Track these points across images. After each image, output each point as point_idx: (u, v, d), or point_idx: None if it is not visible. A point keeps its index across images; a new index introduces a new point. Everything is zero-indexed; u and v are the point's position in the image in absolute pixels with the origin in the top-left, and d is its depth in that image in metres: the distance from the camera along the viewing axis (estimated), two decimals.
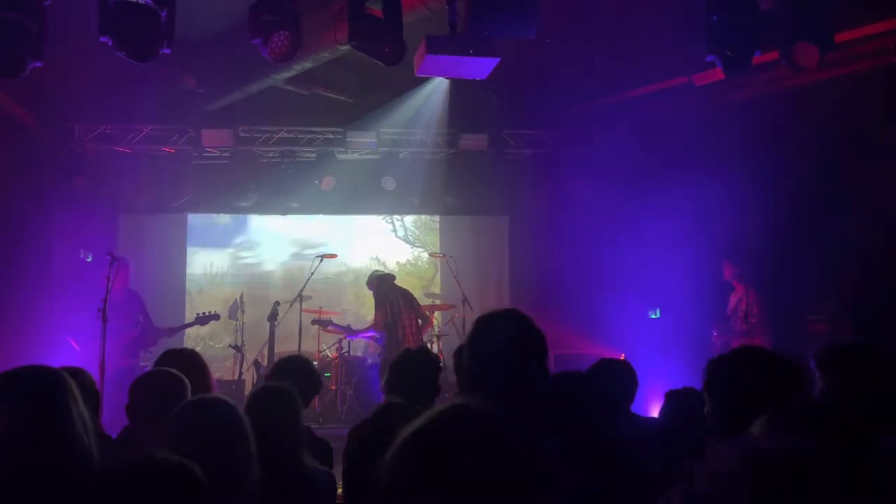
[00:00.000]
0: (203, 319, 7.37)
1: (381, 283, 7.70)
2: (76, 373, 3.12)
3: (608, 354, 7.35)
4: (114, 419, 5.68)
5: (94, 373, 5.05)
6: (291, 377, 3.16)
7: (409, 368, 3.02)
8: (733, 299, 7.35)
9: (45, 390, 1.91)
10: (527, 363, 2.05)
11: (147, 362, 6.40)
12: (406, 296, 7.68)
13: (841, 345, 2.66)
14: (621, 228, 8.26)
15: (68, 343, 6.94)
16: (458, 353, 2.14)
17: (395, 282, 7.89)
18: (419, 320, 7.60)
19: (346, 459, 2.98)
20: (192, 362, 3.05)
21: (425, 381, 3.04)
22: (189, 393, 2.66)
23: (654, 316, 8.31)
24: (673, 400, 3.11)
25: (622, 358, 7.46)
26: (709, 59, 5.08)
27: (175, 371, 2.78)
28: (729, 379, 2.12)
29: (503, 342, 2.05)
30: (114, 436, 3.10)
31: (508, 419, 1.22)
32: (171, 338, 7.13)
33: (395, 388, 2.96)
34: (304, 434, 2.69)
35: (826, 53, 5.23)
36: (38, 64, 4.54)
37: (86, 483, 1.83)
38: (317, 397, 7.90)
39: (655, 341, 7.72)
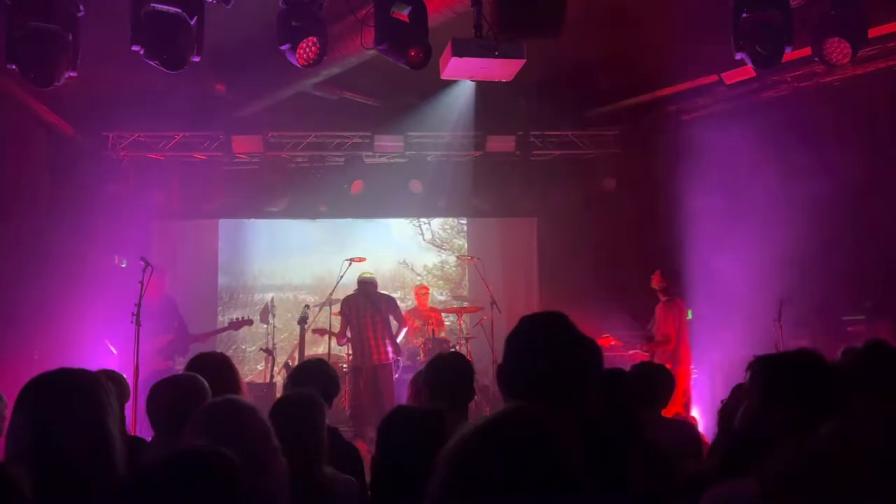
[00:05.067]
0: (237, 324, 7.48)
1: (346, 300, 7.71)
2: (111, 376, 3.19)
3: (638, 357, 7.33)
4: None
5: (129, 375, 5.16)
6: (311, 381, 3.17)
7: (447, 373, 2.99)
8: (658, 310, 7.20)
9: (60, 393, 1.92)
10: (567, 368, 1.99)
11: (181, 366, 6.50)
12: (375, 302, 7.60)
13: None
14: (650, 229, 8.19)
15: (107, 347, 7.08)
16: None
17: (367, 285, 7.75)
18: (383, 324, 7.56)
19: (371, 467, 2.97)
20: (222, 365, 3.07)
21: (462, 387, 3.01)
22: (209, 395, 2.64)
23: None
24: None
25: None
26: (738, 56, 5.00)
27: (192, 374, 2.80)
28: (786, 381, 2.00)
29: (538, 346, 1.98)
30: (148, 438, 3.15)
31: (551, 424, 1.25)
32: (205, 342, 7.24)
33: (437, 391, 2.95)
34: (326, 441, 2.69)
35: (859, 49, 5.12)
36: (73, 73, 4.64)
37: (112, 484, 1.86)
38: (347, 400, 7.97)
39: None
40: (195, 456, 1.47)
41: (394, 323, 7.80)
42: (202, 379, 2.69)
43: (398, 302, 8.20)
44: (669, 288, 7.10)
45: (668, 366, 6.81)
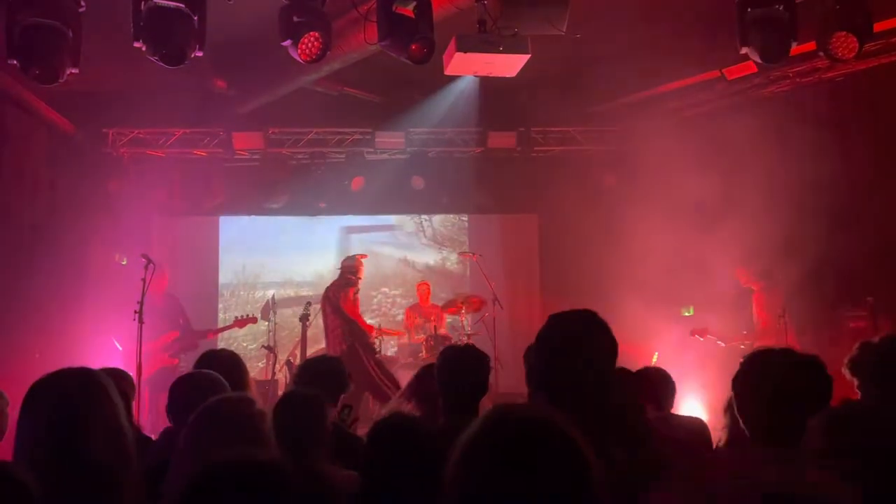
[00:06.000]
0: (242, 322, 7.47)
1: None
2: (114, 374, 3.17)
3: (641, 353, 7.31)
4: (155, 419, 5.78)
5: (133, 373, 5.15)
6: (319, 377, 3.15)
7: (461, 367, 2.89)
8: (757, 301, 7.13)
9: (78, 392, 1.92)
10: (591, 365, 2.00)
11: (187, 364, 6.48)
12: (326, 291, 7.56)
13: (871, 344, 2.57)
14: (652, 225, 8.16)
15: (112, 344, 7.05)
16: (528, 353, 2.10)
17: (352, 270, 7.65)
18: (333, 315, 7.43)
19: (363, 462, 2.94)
20: (231, 363, 3.06)
21: (476, 381, 2.89)
22: (227, 392, 2.66)
23: (686, 313, 8.19)
24: None
25: (655, 357, 7.39)
26: (743, 51, 4.98)
27: (213, 372, 2.80)
28: (758, 380, 2.04)
29: (568, 342, 2.01)
30: (154, 436, 3.13)
31: (556, 421, 1.20)
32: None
33: (447, 387, 2.87)
34: (327, 439, 2.67)
35: (865, 43, 5.10)
36: (75, 70, 4.61)
37: (128, 481, 1.85)
38: None
39: (688, 339, 7.61)
40: (258, 467, 1.45)
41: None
42: (220, 377, 2.68)
43: (399, 296, 8.14)
44: (762, 275, 6.99)
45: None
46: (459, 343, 7.65)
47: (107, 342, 7.01)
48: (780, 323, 6.61)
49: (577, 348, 1.98)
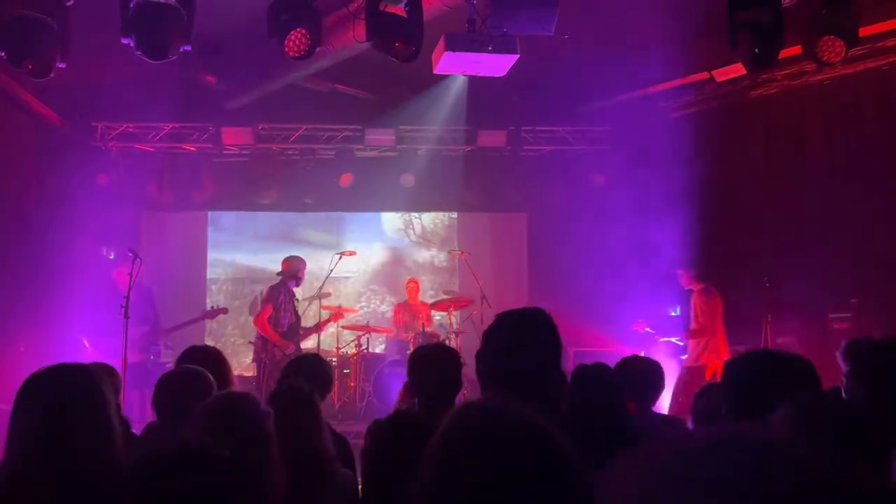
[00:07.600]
0: (211, 313, 7.31)
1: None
2: (106, 369, 3.16)
3: (627, 352, 7.34)
4: (128, 415, 5.72)
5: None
6: (305, 375, 3.16)
7: (430, 365, 2.89)
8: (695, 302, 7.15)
9: (75, 388, 1.94)
10: (542, 360, 2.03)
11: (169, 359, 6.43)
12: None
13: (873, 339, 2.62)
14: (641, 225, 8.21)
15: (81, 341, 6.89)
16: (478, 355, 2.13)
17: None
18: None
19: (365, 460, 2.95)
20: (214, 359, 3.06)
21: (447, 378, 2.87)
22: (215, 390, 2.67)
23: (674, 314, 8.24)
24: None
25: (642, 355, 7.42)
26: (731, 52, 5.02)
27: (201, 368, 2.80)
28: (741, 377, 2.10)
29: (517, 339, 2.04)
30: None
31: (524, 414, 1.20)
32: (190, 333, 7.16)
33: (419, 385, 2.87)
34: (327, 434, 2.68)
35: (851, 47, 5.14)
36: (62, 65, 4.60)
37: (116, 476, 1.86)
38: (336, 394, 7.95)
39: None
40: (198, 458, 1.47)
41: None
42: (209, 374, 2.69)
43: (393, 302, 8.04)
44: (700, 275, 7.01)
45: (703, 357, 6.72)
46: (431, 342, 7.70)
47: (79, 339, 6.85)
48: (765, 322, 6.67)
49: (520, 347, 2.01)
